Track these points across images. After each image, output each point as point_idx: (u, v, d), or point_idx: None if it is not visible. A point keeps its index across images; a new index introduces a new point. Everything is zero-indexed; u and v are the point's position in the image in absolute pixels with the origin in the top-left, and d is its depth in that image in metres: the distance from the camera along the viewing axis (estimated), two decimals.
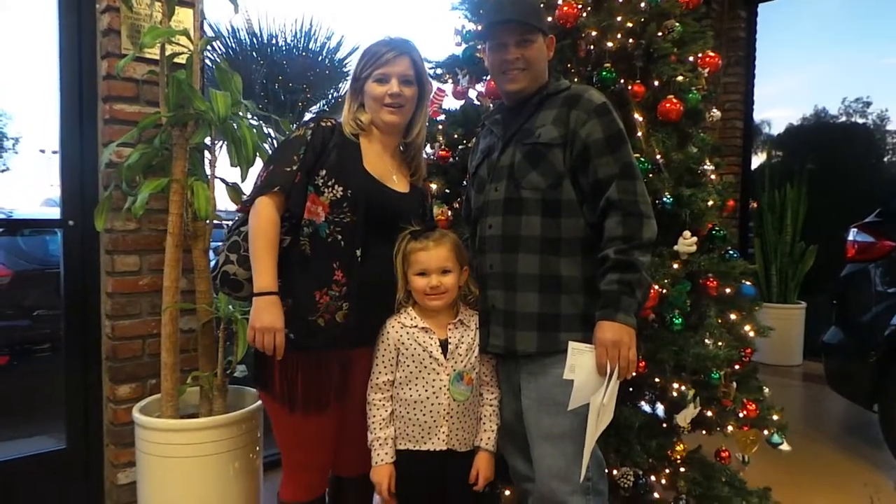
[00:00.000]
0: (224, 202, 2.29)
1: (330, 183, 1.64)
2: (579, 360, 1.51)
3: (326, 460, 1.75)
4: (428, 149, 2.33)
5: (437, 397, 1.63)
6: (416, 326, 1.66)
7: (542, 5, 2.03)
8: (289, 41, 4.25)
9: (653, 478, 2.02)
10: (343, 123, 1.72)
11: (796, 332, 4.98)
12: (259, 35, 4.19)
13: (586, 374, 1.51)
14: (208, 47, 3.15)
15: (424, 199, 1.87)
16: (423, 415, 1.64)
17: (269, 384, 1.66)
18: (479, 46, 2.11)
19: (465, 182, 2.25)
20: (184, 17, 2.31)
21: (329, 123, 1.70)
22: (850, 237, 3.31)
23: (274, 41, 4.21)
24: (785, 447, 2.16)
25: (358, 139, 1.71)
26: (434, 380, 1.64)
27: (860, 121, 5.53)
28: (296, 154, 1.64)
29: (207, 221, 2.14)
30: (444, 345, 1.65)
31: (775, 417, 2.15)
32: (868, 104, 5.48)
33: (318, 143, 1.66)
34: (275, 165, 1.65)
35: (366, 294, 1.64)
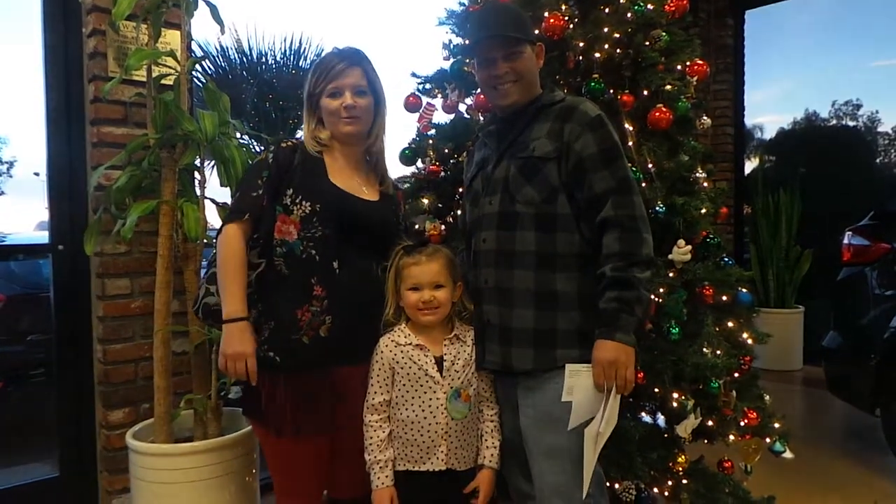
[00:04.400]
0: (215, 222, 2.27)
1: (298, 200, 1.64)
2: (577, 382, 1.50)
3: (318, 486, 1.72)
4: (419, 163, 2.32)
5: (434, 416, 1.60)
6: (410, 344, 1.64)
7: (530, 15, 2.04)
8: (278, 59, 4.27)
9: (655, 490, 2.00)
10: (304, 142, 1.72)
11: (795, 337, 4.95)
12: (248, 54, 4.21)
13: (584, 394, 1.49)
14: (197, 66, 3.15)
15: (397, 207, 1.85)
16: (421, 434, 1.61)
17: (257, 410, 1.63)
18: (468, 61, 2.11)
19: (457, 196, 2.25)
20: (171, 38, 2.31)
21: (289, 144, 1.71)
22: (846, 241, 3.30)
23: (263, 59, 4.23)
24: (788, 455, 2.13)
25: (321, 155, 1.71)
26: (431, 398, 1.61)
27: (851, 123, 5.56)
28: (259, 178, 1.65)
29: (198, 242, 2.12)
30: (439, 362, 1.63)
31: (777, 425, 2.13)
32: (858, 107, 5.51)
33: (281, 165, 1.66)
34: (241, 192, 1.66)
35: (348, 305, 1.63)
